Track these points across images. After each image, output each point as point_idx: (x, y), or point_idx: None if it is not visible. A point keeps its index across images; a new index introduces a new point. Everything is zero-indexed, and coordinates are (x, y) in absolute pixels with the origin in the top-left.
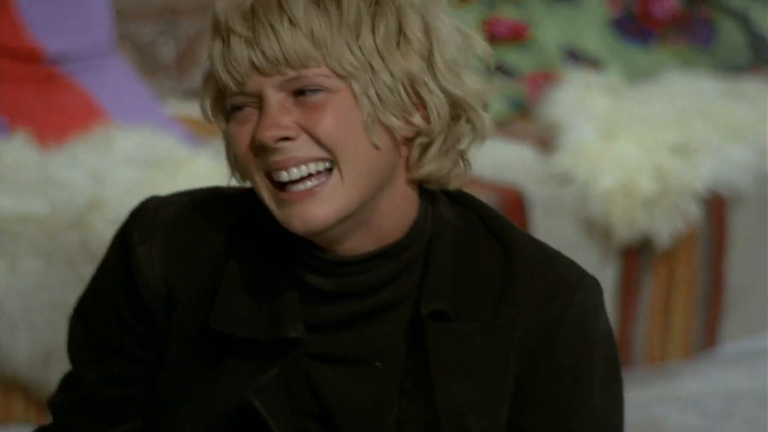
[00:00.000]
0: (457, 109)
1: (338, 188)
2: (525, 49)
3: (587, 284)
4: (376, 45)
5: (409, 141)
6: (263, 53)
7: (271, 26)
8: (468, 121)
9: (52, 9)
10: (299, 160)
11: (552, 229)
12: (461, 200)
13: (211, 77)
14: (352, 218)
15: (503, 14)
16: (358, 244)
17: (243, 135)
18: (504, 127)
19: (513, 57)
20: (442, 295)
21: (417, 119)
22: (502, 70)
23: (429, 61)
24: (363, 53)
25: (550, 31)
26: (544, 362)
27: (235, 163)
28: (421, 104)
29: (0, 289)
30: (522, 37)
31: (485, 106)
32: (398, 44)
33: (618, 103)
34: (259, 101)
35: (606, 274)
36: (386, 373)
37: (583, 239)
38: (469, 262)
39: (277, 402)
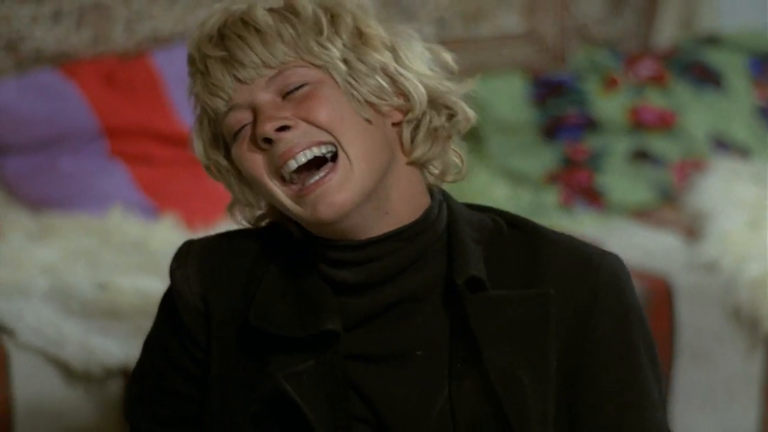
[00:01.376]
0: (434, 96)
1: (348, 170)
2: (672, 136)
3: (611, 256)
4: (342, 41)
5: (398, 125)
6: (240, 63)
7: (242, 38)
8: (447, 108)
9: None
10: (303, 146)
11: (698, 317)
12: (478, 206)
13: (201, 119)
14: (369, 201)
15: (651, 102)
16: (377, 229)
17: (249, 148)
18: (651, 215)
19: (660, 145)
20: (474, 263)
21: (396, 101)
22: (649, 157)
23: (395, 53)
24: (334, 47)
25: (698, 119)
26: (584, 342)
27: (249, 185)
28: (400, 91)
29: None
30: (669, 124)
31: (464, 100)
32: (362, 41)
33: (765, 191)
34: (253, 114)
35: (753, 365)
36: (429, 359)
37: (729, 329)
38: (494, 248)
39: (311, 391)
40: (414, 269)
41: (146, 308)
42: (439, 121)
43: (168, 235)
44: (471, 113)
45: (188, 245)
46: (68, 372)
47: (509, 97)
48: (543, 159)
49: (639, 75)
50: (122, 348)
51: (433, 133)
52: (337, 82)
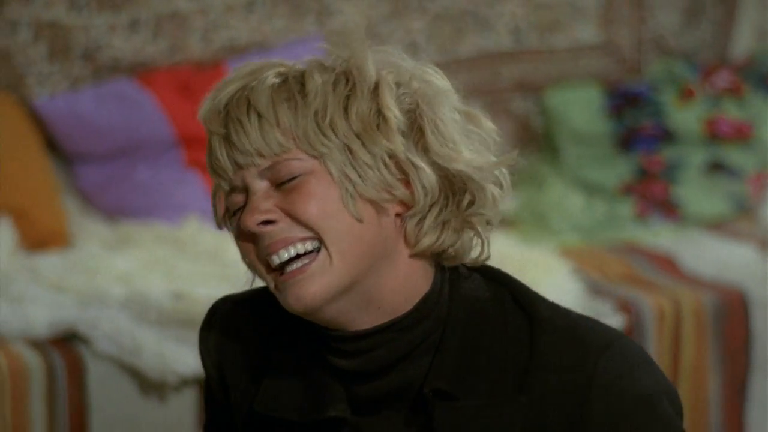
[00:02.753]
0: (455, 183)
1: (326, 265)
2: (749, 148)
3: (615, 349)
4: (351, 127)
5: (401, 215)
6: (237, 148)
7: (240, 122)
8: (469, 193)
9: None
10: (287, 242)
11: None
12: (492, 275)
13: (215, 189)
14: (352, 294)
15: (727, 113)
16: (367, 320)
17: (241, 232)
18: (726, 227)
19: (736, 156)
20: (445, 373)
21: (400, 192)
22: (725, 169)
23: (415, 137)
24: (336, 135)
25: None
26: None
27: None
28: (405, 179)
29: None
30: (746, 136)
31: (496, 181)
32: (378, 126)
33: None
34: (246, 199)
35: None
36: None
37: None
38: (490, 337)
39: None
40: (411, 359)
41: None
42: (453, 210)
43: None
44: (499, 199)
45: (215, 308)
46: (143, 380)
47: (585, 108)
48: (618, 170)
49: (715, 86)
50: (197, 357)
51: (444, 224)
52: (332, 174)
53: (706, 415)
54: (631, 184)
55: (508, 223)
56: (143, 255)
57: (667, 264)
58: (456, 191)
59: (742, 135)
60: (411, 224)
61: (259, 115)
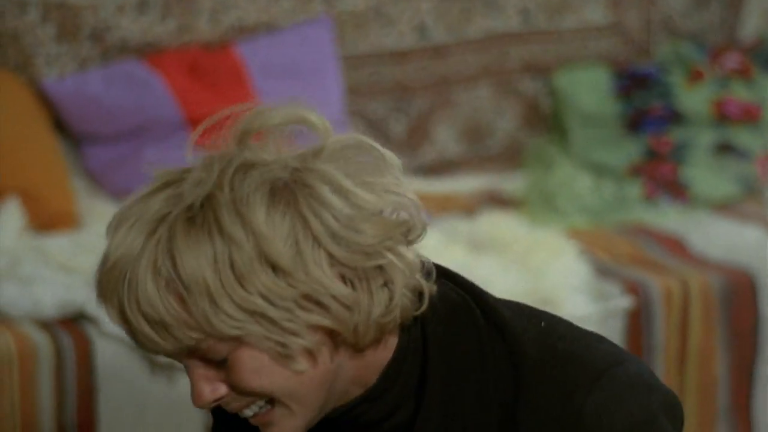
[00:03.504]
0: (366, 278)
1: (288, 413)
2: (757, 129)
3: (602, 382)
4: (244, 289)
5: (335, 340)
6: (152, 350)
7: (144, 334)
8: (384, 274)
9: (285, 84)
10: (243, 406)
11: None
12: (457, 303)
13: None
14: (320, 410)
15: (735, 94)
16: (343, 400)
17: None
18: (734, 209)
19: (745, 138)
20: (431, 426)
21: (328, 321)
22: (733, 150)
23: (316, 263)
24: (239, 307)
25: None
26: None
27: None
28: (325, 309)
29: None
30: (754, 117)
31: (408, 239)
32: (272, 270)
33: None
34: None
35: None
36: None
37: None
38: (471, 378)
39: None
40: (394, 415)
41: None
42: (381, 300)
43: None
44: (411, 259)
45: None
46: (151, 361)
47: (594, 90)
48: (627, 151)
49: (724, 67)
50: None
51: (382, 316)
52: (256, 345)
53: (713, 397)
54: (640, 166)
55: (515, 204)
56: None
57: (676, 245)
58: (370, 285)
59: (750, 116)
60: (348, 339)
61: (161, 324)
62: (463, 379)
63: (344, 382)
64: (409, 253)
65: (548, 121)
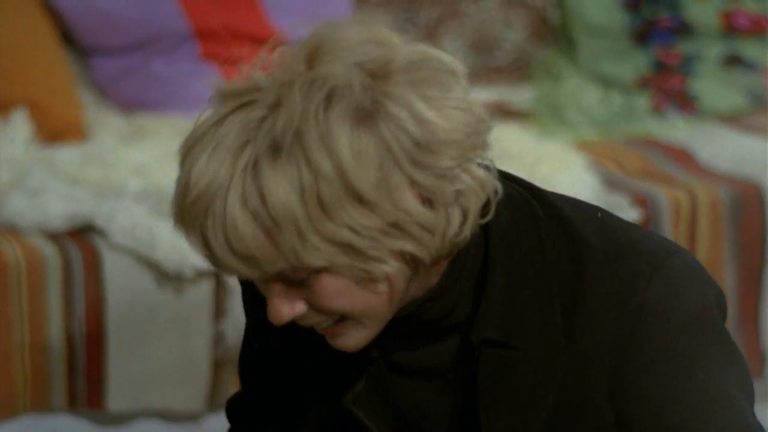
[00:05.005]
0: (445, 202)
1: (358, 328)
2: (766, 41)
3: (665, 268)
4: (332, 221)
5: (413, 260)
6: (234, 275)
7: (226, 265)
8: (458, 197)
9: None
10: (317, 322)
11: None
12: (517, 199)
13: None
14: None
15: (744, 6)
16: (409, 299)
17: (261, 291)
18: (743, 121)
19: (753, 50)
20: (492, 321)
21: (411, 246)
22: (741, 62)
23: (399, 191)
24: (325, 239)
25: None
26: (627, 372)
27: None
28: (407, 232)
29: None
30: (763, 29)
31: (480, 150)
32: (358, 202)
33: None
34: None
35: None
36: (461, 386)
37: None
38: (530, 275)
39: (373, 410)
40: (450, 315)
41: None
42: (455, 221)
43: None
44: (486, 180)
45: None
46: (159, 273)
47: (602, 2)
48: (635, 63)
49: None
50: None
51: (453, 242)
52: (340, 272)
53: None
54: (648, 78)
55: (523, 116)
56: (159, 147)
57: (684, 157)
58: (450, 209)
59: (759, 28)
60: (426, 260)
61: (242, 255)
62: (524, 273)
63: (412, 290)
64: (479, 170)
65: (556, 33)
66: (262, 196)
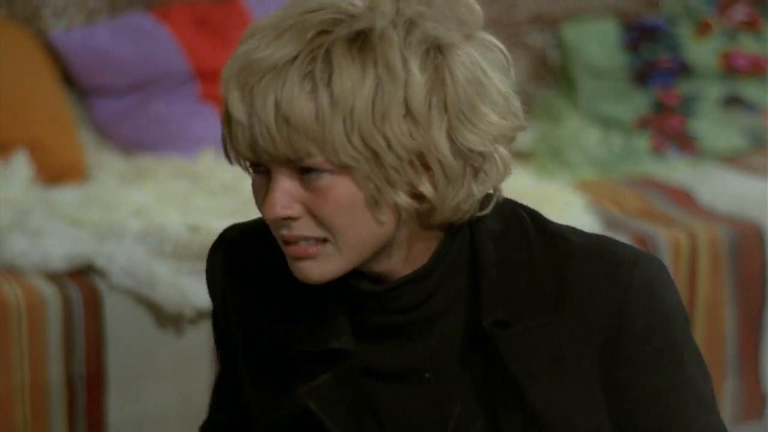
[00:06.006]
0: (471, 161)
1: (335, 255)
2: (765, 82)
3: (645, 262)
4: (375, 125)
5: (418, 207)
6: (260, 146)
7: (266, 126)
8: (484, 166)
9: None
10: (300, 238)
11: None
12: (505, 204)
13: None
14: (356, 264)
15: (743, 47)
16: (389, 267)
17: (259, 193)
18: (742, 161)
19: (752, 90)
20: (498, 305)
21: (425, 187)
22: (741, 103)
23: (438, 126)
24: (363, 140)
25: None
26: (619, 345)
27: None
28: (430, 173)
29: None
30: (762, 70)
31: (509, 141)
32: (404, 115)
33: None
34: (267, 170)
35: None
36: (438, 383)
37: None
38: (518, 264)
39: (332, 405)
40: (429, 301)
41: None
42: (470, 185)
43: None
44: (508, 162)
45: (222, 234)
46: (159, 313)
47: (602, 42)
48: (635, 104)
49: (732, 20)
50: None
51: (459, 202)
52: (357, 180)
53: (721, 349)
54: (648, 118)
55: (523, 156)
56: (159, 188)
57: (683, 198)
58: (473, 168)
59: (758, 69)
60: (425, 209)
61: (287, 122)
62: (513, 263)
63: (396, 249)
64: (507, 157)
65: (556, 73)
66: (330, 76)
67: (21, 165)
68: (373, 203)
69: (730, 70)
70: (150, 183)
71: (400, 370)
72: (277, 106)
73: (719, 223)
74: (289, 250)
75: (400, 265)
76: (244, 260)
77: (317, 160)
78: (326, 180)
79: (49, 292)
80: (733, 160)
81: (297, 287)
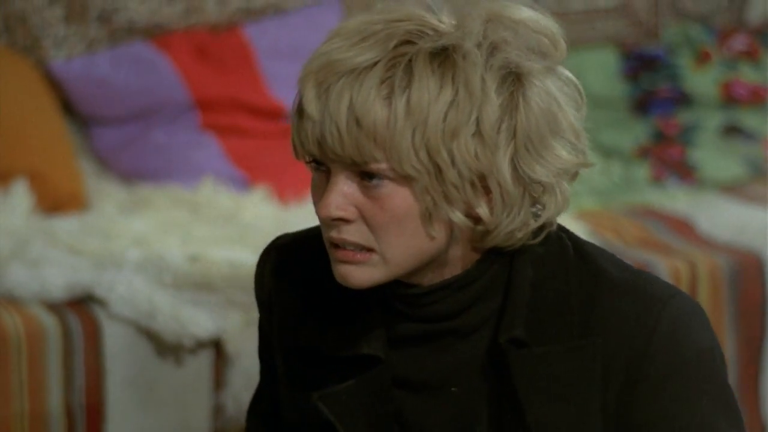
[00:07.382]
0: (531, 190)
1: (379, 265)
2: (764, 111)
3: (676, 301)
4: (444, 141)
5: (472, 227)
6: (328, 145)
7: (338, 126)
8: (543, 196)
9: (292, 66)
10: (348, 243)
11: None
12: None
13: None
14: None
15: (743, 77)
16: (428, 277)
17: (317, 191)
18: (742, 191)
19: (752, 120)
20: (518, 323)
21: (482, 210)
22: (741, 132)
23: (504, 151)
24: (429, 152)
25: None
26: (638, 385)
27: None
28: (488, 194)
29: (238, 343)
30: (762, 99)
31: (572, 176)
32: (473, 134)
33: None
34: (328, 169)
35: None
36: (463, 398)
37: None
38: (553, 288)
39: (349, 411)
40: (464, 313)
41: (237, 280)
42: (527, 214)
43: (259, 208)
44: (567, 197)
45: (276, 240)
46: (159, 343)
47: (601, 72)
48: (634, 133)
49: (732, 50)
50: (213, 319)
51: (512, 231)
52: (416, 191)
53: None
54: (648, 148)
55: None
56: (159, 218)
57: (683, 227)
58: (530, 199)
59: (758, 98)
60: (479, 232)
61: (359, 124)
62: (547, 289)
63: (439, 263)
64: (567, 192)
65: None
66: (408, 84)
67: (21, 194)
68: (427, 217)
69: (730, 99)
70: (150, 212)
71: (428, 381)
72: (351, 108)
73: (719, 253)
74: (335, 253)
75: (440, 275)
76: (293, 264)
77: (381, 166)
78: (386, 188)
79: (48, 321)
80: (733, 189)
81: (339, 293)
